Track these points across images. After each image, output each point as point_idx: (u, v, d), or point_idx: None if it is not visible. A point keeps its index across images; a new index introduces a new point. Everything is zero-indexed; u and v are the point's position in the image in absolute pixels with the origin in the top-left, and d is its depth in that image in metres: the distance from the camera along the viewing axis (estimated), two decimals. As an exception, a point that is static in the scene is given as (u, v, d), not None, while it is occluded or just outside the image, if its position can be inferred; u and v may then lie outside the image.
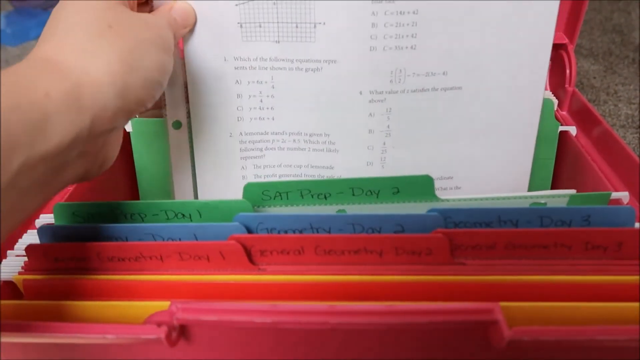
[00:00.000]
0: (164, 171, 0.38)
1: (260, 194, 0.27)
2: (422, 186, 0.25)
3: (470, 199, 0.26)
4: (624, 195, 0.29)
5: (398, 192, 0.25)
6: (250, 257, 0.24)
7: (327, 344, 0.22)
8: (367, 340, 0.22)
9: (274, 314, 0.20)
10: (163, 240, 0.25)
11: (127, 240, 0.25)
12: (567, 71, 0.40)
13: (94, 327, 0.20)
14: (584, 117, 0.38)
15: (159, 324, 0.20)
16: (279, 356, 0.23)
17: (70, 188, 0.33)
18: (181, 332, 0.21)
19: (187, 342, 0.22)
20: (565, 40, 0.41)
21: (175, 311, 0.20)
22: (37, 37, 0.89)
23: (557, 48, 0.42)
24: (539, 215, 0.22)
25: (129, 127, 0.37)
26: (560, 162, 0.38)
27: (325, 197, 0.26)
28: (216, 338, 0.22)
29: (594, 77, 0.70)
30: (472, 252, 0.22)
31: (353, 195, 0.26)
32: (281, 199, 0.26)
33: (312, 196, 0.26)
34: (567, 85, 0.40)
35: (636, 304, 0.21)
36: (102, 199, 0.35)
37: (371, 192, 0.26)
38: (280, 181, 0.27)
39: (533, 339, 0.19)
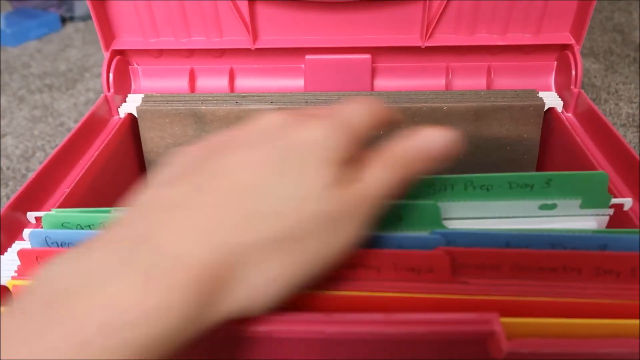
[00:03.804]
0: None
1: None
2: (427, 214, 0.23)
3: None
4: (626, 201, 0.28)
5: (401, 219, 0.23)
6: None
7: (319, 354, 0.21)
8: (362, 350, 0.21)
9: (270, 324, 0.20)
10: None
11: None
12: (573, 72, 0.39)
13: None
14: (590, 119, 0.36)
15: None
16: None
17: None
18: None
19: None
20: (572, 41, 0.39)
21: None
22: (36, 37, 0.88)
23: (563, 48, 0.40)
24: (551, 242, 0.21)
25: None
26: (565, 165, 0.37)
27: None
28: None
29: (595, 76, 0.69)
30: (476, 272, 0.21)
31: None
32: None
33: None
34: (572, 87, 0.39)
35: (636, 321, 0.20)
36: (108, 191, 0.36)
37: None
38: None
39: (532, 351, 0.19)
